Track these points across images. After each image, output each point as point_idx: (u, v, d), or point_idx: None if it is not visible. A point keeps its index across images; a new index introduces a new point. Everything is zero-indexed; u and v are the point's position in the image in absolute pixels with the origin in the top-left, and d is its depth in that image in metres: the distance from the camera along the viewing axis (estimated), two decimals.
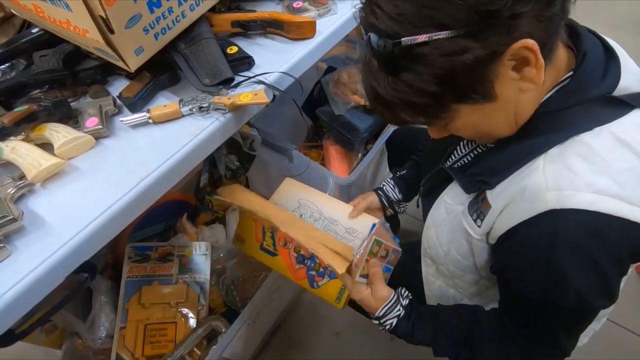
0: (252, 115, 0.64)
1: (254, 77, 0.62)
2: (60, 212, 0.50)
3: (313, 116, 1.22)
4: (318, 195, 0.77)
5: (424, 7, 0.35)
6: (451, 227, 0.56)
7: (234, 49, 0.64)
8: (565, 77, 0.44)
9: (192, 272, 0.97)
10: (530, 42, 0.36)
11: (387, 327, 0.58)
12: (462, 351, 0.56)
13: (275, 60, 0.66)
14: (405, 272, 0.70)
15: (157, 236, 1.05)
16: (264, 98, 0.59)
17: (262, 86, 0.62)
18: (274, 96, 0.62)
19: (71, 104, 0.60)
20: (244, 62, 0.64)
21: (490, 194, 0.48)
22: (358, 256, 0.61)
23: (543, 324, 0.50)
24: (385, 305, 0.58)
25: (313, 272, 0.70)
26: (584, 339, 0.58)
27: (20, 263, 0.46)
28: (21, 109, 0.54)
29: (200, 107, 0.58)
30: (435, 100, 0.40)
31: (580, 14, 0.42)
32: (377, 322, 0.60)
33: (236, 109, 0.60)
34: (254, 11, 0.69)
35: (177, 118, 0.59)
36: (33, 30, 0.62)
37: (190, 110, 0.59)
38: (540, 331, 0.51)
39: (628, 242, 0.41)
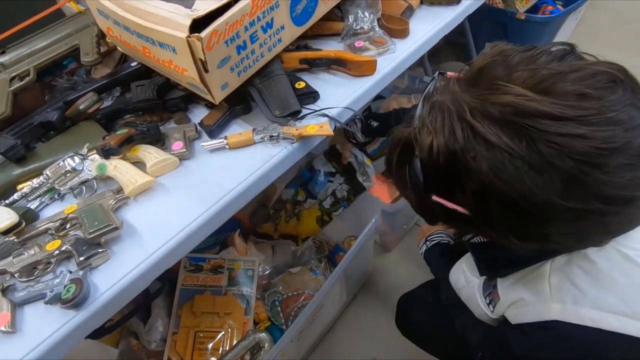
0: (315, 144, 0.70)
1: (319, 110, 0.68)
2: (150, 224, 0.57)
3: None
4: None
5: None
6: (469, 295, 0.60)
7: (302, 84, 0.71)
8: None
9: (239, 286, 1.02)
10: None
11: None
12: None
13: (338, 95, 0.72)
14: None
15: (207, 248, 1.12)
16: (329, 130, 0.64)
17: (326, 119, 0.68)
18: (335, 127, 0.68)
19: None
20: (310, 96, 0.70)
21: (500, 284, 0.51)
22: None
23: None
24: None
25: None
26: None
27: (117, 267, 0.53)
28: (122, 132, 0.63)
29: (271, 136, 0.65)
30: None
31: None
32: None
33: (302, 138, 0.66)
34: (320, 50, 0.76)
35: (250, 145, 0.66)
36: (132, 64, 0.72)
37: (261, 138, 0.65)
38: None
39: (626, 356, 0.41)
